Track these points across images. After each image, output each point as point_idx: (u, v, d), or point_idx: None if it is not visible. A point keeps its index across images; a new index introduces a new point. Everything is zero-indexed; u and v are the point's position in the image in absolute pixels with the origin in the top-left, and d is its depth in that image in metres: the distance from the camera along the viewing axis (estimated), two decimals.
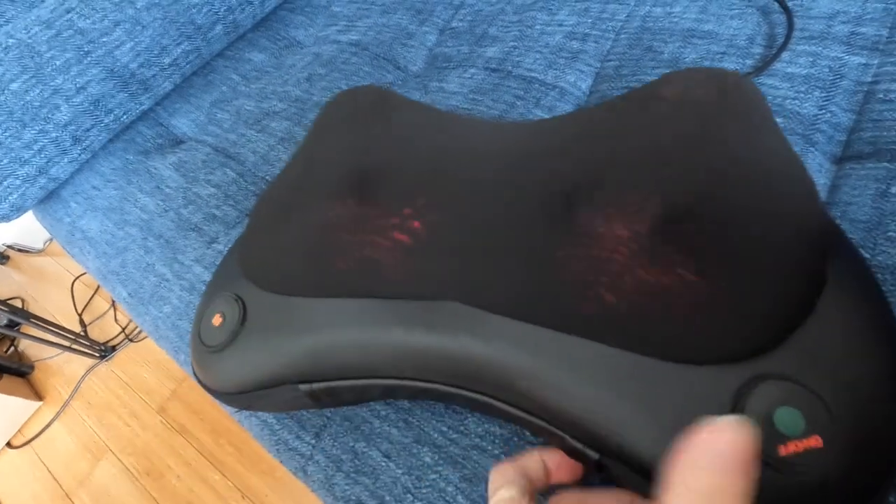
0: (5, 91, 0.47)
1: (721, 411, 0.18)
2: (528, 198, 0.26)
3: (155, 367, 1.10)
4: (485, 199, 0.27)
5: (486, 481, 0.27)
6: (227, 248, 0.42)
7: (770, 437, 0.17)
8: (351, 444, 0.30)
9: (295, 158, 0.36)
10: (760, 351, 0.18)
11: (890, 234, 0.27)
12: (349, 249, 0.27)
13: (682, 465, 0.13)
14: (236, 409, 0.34)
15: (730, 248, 0.21)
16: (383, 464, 0.29)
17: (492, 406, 0.24)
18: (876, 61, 0.35)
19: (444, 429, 0.29)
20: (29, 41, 0.49)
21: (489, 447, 0.28)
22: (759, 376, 0.18)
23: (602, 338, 0.21)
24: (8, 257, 1.38)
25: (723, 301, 0.20)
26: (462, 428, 0.28)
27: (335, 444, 0.30)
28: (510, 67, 0.46)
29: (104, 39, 0.51)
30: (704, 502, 0.12)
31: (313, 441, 0.31)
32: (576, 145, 0.29)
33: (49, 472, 1.03)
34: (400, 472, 0.29)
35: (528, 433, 0.27)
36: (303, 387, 0.26)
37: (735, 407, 0.18)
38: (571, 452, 0.22)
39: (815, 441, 0.16)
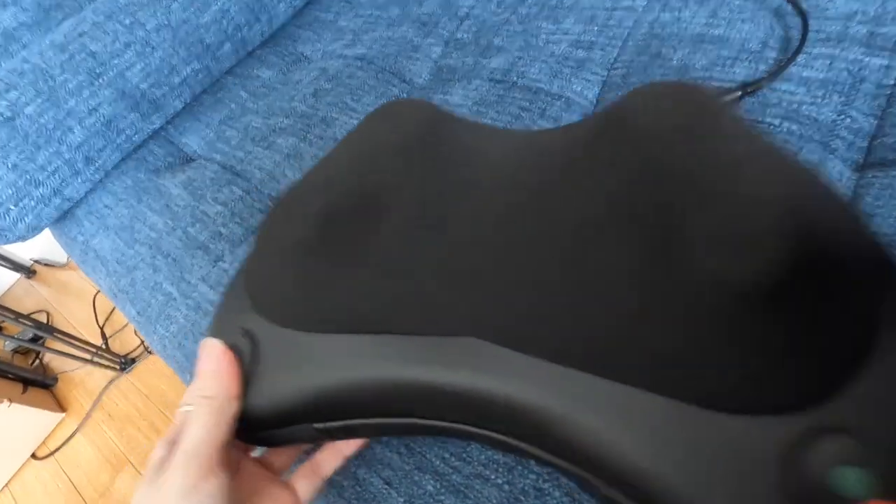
0: (20, 115, 0.49)
1: (768, 464, 0.16)
2: (554, 230, 0.24)
3: (172, 379, 1.11)
4: (504, 229, 0.26)
5: None
6: (231, 267, 0.42)
7: (827, 502, 0.15)
8: (352, 469, 0.29)
9: (311, 175, 0.34)
10: (812, 402, 0.16)
11: None
12: (362, 282, 0.26)
13: None
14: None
15: (775, 289, 0.19)
16: (384, 491, 0.28)
17: (519, 448, 0.22)
18: None
19: (446, 455, 0.28)
20: (43, 65, 0.50)
21: (492, 476, 0.26)
22: (813, 429, 0.16)
23: (639, 382, 0.19)
24: (35, 272, 1.42)
25: (769, 346, 0.18)
26: (465, 455, 0.28)
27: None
28: (515, 78, 0.45)
29: (115, 61, 0.52)
30: None
31: None
32: (591, 176, 0.26)
33: (72, 483, 1.05)
34: (402, 500, 0.28)
35: (532, 462, 0.26)
36: (317, 425, 0.25)
37: (789, 462, 0.16)
38: (598, 497, 0.21)
39: None
